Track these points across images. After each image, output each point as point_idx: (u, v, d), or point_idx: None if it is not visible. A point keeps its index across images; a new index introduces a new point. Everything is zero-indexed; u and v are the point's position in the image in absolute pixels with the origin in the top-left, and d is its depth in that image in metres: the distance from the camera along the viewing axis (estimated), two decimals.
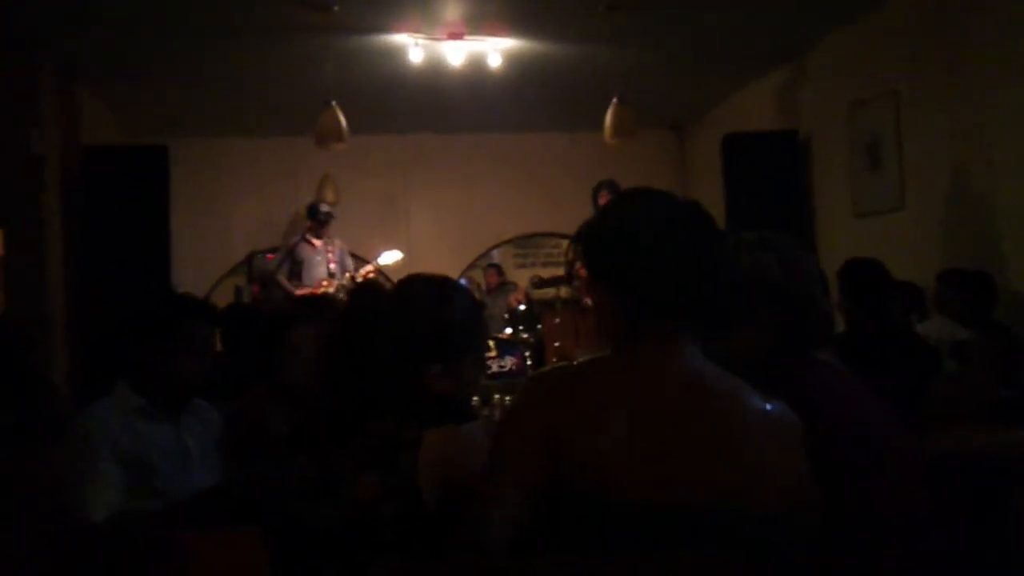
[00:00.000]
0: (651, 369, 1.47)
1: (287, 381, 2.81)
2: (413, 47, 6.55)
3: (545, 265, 10.85)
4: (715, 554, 1.36)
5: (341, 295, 7.51)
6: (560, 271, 8.82)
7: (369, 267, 7.98)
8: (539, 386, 1.54)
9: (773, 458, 1.42)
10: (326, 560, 1.65)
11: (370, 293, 1.90)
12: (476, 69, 6.89)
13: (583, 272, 6.04)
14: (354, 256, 8.32)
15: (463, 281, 10.35)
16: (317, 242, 7.92)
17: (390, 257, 8.14)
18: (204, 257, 8.93)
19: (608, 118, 7.58)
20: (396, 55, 6.74)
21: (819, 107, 7.13)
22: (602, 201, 7.51)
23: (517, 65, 6.99)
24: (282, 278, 7.85)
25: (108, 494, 2.39)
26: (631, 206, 1.57)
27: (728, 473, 1.39)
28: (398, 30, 6.38)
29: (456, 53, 6.63)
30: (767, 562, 1.38)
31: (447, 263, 9.75)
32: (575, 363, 1.56)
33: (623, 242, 1.49)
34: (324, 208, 8.01)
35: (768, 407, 1.45)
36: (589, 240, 1.56)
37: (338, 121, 7.29)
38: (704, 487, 1.38)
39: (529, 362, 6.61)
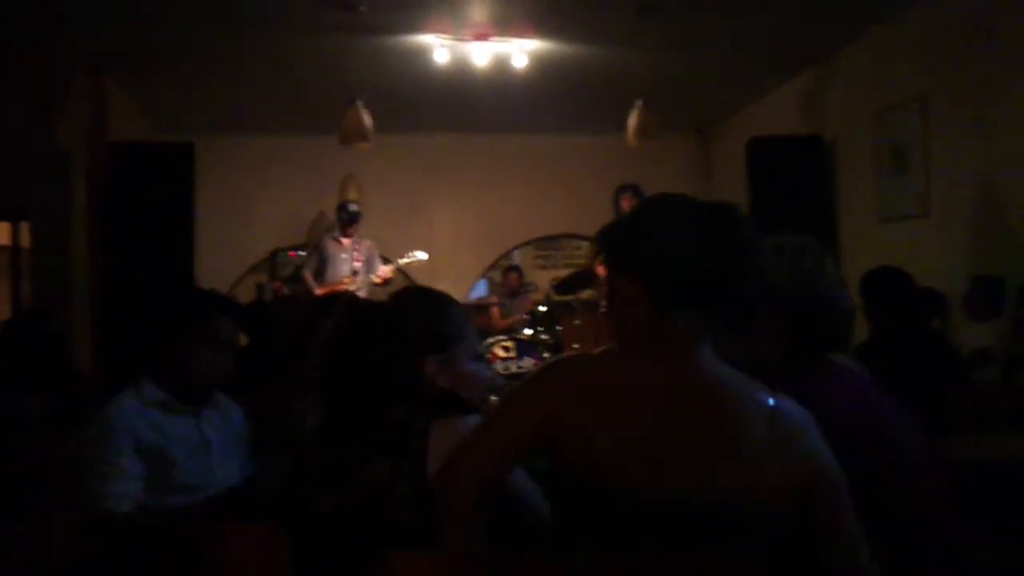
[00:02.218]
0: (665, 363, 1.51)
1: (311, 378, 2.82)
2: (439, 47, 6.57)
3: (566, 267, 10.84)
4: (713, 550, 1.38)
5: (362, 293, 7.54)
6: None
7: (391, 267, 8.00)
8: (553, 367, 1.62)
9: (779, 453, 1.44)
10: (340, 547, 1.70)
11: (360, 303, 2.10)
12: (501, 70, 6.90)
13: (602, 271, 5.97)
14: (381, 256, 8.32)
15: (483, 281, 10.38)
16: (345, 240, 7.95)
17: (414, 257, 8.16)
18: (227, 254, 8.99)
19: (632, 121, 7.58)
20: (422, 55, 6.76)
21: (845, 112, 7.09)
22: (624, 204, 7.51)
23: (542, 66, 6.99)
24: (307, 274, 7.90)
25: (128, 487, 2.41)
26: (659, 202, 1.63)
27: (732, 468, 1.42)
28: (424, 30, 6.40)
29: (481, 54, 6.64)
30: (768, 556, 1.40)
31: (468, 263, 9.78)
32: (595, 352, 1.60)
33: (651, 230, 1.53)
34: (352, 207, 8.03)
35: (773, 402, 1.49)
36: (617, 232, 1.61)
37: (363, 120, 7.33)
38: (706, 480, 1.41)
39: None
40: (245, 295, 8.67)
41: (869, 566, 1.48)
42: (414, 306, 1.94)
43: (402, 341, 1.86)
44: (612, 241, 1.61)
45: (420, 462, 1.70)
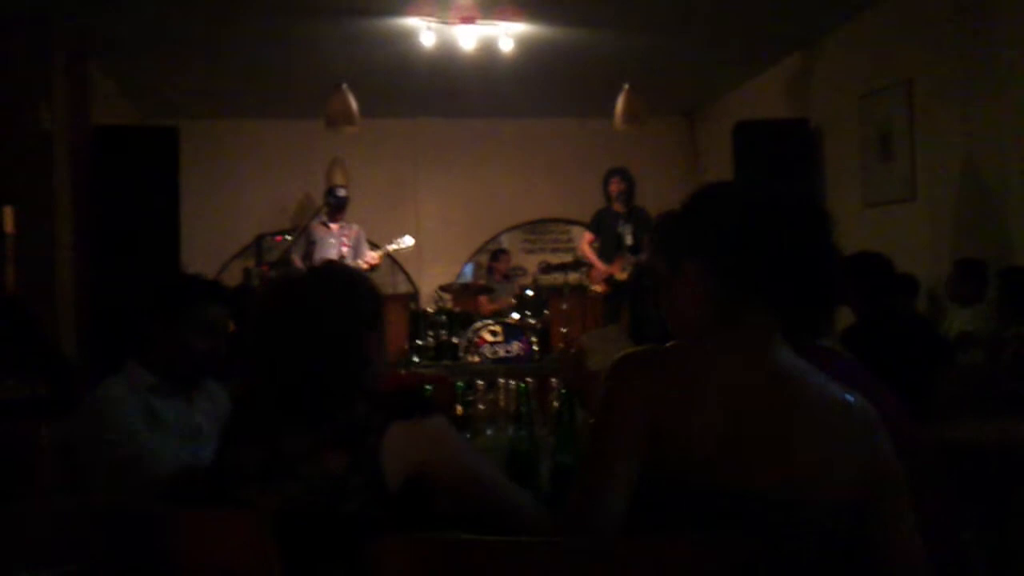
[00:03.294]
0: (738, 358, 1.45)
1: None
2: (425, 31, 6.54)
3: (554, 251, 10.85)
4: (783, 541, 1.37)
5: None
6: (569, 257, 8.84)
7: (378, 253, 7.97)
8: (636, 368, 1.49)
9: (852, 449, 1.42)
10: (297, 538, 1.69)
11: (295, 275, 2.00)
12: (488, 54, 6.88)
13: (593, 259, 5.95)
14: (368, 242, 8.29)
15: (470, 265, 10.37)
16: (333, 225, 7.93)
17: (402, 243, 8.13)
18: (213, 239, 8.95)
19: (619, 104, 7.57)
20: (408, 38, 6.73)
21: (831, 96, 7.11)
22: (613, 188, 7.49)
23: (529, 50, 6.97)
24: (295, 258, 7.88)
25: (154, 439, 2.41)
26: (727, 189, 1.57)
27: (807, 463, 1.40)
28: (410, 13, 6.37)
29: (468, 37, 6.62)
30: (833, 549, 1.40)
31: (455, 248, 9.78)
32: (665, 345, 1.51)
33: (727, 218, 1.47)
34: (340, 192, 8.01)
35: (849, 398, 1.46)
36: (684, 220, 1.53)
37: (349, 104, 7.30)
38: (782, 475, 1.39)
39: (535, 347, 6.63)
40: (231, 280, 8.63)
41: (927, 572, 1.46)
42: (358, 280, 1.90)
43: (354, 313, 1.83)
44: (678, 229, 1.54)
45: (375, 460, 1.68)
